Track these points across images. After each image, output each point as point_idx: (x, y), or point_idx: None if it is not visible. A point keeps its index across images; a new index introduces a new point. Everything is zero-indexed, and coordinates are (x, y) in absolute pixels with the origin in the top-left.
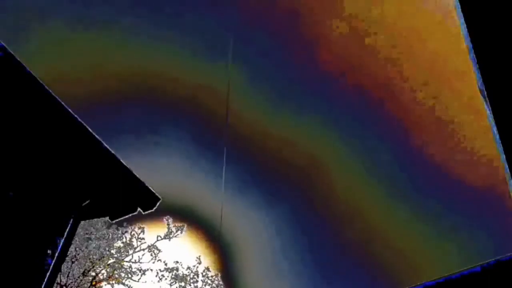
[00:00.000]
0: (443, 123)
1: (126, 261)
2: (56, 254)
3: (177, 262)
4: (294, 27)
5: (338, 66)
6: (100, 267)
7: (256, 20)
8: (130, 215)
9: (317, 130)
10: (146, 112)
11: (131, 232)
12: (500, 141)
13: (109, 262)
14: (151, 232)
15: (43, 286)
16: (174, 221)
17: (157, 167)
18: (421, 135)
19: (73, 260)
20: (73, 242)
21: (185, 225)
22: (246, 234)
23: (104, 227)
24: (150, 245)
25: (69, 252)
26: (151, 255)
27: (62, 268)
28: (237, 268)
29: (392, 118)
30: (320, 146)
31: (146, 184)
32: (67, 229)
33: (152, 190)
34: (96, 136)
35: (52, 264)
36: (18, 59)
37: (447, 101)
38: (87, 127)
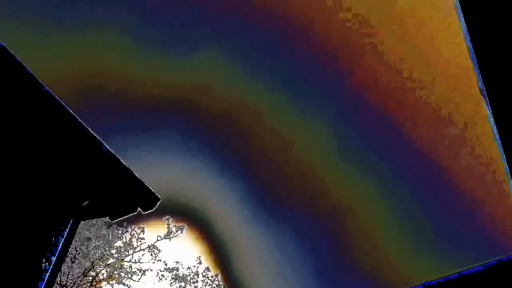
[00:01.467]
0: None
1: (126, 261)
2: (56, 254)
3: (177, 262)
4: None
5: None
6: (100, 267)
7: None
8: (130, 215)
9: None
10: (146, 113)
11: (131, 232)
12: (500, 141)
13: (109, 262)
14: (151, 232)
15: (43, 286)
16: (174, 221)
17: (157, 168)
18: (423, 137)
19: (73, 260)
20: (73, 242)
21: (185, 225)
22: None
23: (104, 227)
24: (150, 245)
25: (69, 252)
26: (151, 255)
27: (62, 268)
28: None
29: (392, 120)
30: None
31: (146, 184)
32: (67, 229)
33: (152, 190)
34: (97, 137)
35: (52, 264)
36: (18, 59)
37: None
38: (88, 127)
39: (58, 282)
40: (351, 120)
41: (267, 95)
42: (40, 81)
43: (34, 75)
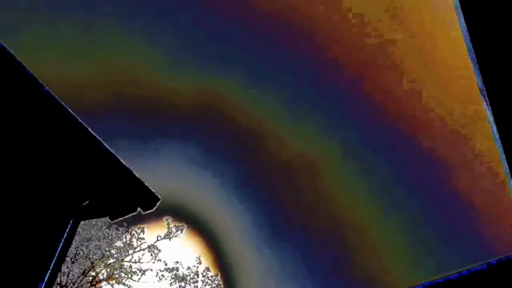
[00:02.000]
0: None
1: (126, 261)
2: (56, 254)
3: (177, 262)
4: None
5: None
6: (100, 267)
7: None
8: (130, 215)
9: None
10: (148, 117)
11: (131, 232)
12: (500, 141)
13: (109, 262)
14: (151, 232)
15: (43, 286)
16: (174, 221)
17: (158, 169)
18: (423, 139)
19: (73, 260)
20: (73, 242)
21: (185, 225)
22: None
23: (104, 227)
24: (150, 245)
25: (69, 252)
26: (151, 255)
27: (62, 268)
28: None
29: (388, 119)
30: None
31: (146, 184)
32: (67, 229)
33: (152, 190)
34: (97, 137)
35: (52, 264)
36: (18, 59)
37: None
38: (88, 127)
39: (58, 282)
40: (354, 122)
41: (281, 110)
42: (40, 81)
43: (34, 75)
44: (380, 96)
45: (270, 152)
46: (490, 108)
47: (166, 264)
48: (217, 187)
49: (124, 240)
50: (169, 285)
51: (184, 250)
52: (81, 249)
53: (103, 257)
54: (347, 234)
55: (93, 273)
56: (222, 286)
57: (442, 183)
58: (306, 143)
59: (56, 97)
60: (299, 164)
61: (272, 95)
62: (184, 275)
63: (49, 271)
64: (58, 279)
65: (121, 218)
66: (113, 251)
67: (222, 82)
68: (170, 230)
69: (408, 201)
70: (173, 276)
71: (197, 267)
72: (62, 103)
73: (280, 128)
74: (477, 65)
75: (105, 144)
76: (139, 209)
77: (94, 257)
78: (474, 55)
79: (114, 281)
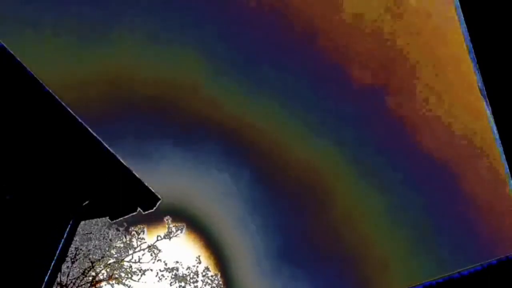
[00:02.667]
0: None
1: (126, 261)
2: (56, 254)
3: (177, 262)
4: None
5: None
6: (100, 267)
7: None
8: (130, 215)
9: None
10: (150, 118)
11: (131, 232)
12: (500, 141)
13: (109, 262)
14: (151, 232)
15: (43, 286)
16: (174, 221)
17: (158, 170)
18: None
19: (73, 260)
20: (73, 242)
21: (185, 225)
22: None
23: (104, 227)
24: (150, 245)
25: (69, 252)
26: (151, 255)
27: (62, 268)
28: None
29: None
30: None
31: (146, 184)
32: (67, 230)
33: (152, 190)
34: (96, 137)
35: (52, 264)
36: (18, 59)
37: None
38: (88, 127)
39: (58, 282)
40: (354, 123)
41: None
42: (41, 82)
43: (35, 76)
44: (381, 97)
45: (273, 153)
46: (490, 108)
47: (166, 264)
48: (217, 187)
49: (124, 240)
50: (169, 285)
51: (184, 250)
52: (81, 249)
53: (103, 257)
54: (345, 232)
55: (93, 273)
56: (222, 286)
57: (442, 183)
58: (307, 146)
59: (57, 97)
60: (304, 168)
61: (271, 98)
62: (184, 275)
63: (49, 271)
64: (58, 279)
65: (121, 218)
66: (113, 251)
67: (223, 83)
68: (170, 230)
69: (409, 201)
70: (173, 276)
71: (197, 267)
72: (63, 103)
73: (282, 133)
74: (477, 65)
75: (105, 144)
76: (139, 209)
77: (94, 257)
78: (474, 55)
79: (114, 281)
